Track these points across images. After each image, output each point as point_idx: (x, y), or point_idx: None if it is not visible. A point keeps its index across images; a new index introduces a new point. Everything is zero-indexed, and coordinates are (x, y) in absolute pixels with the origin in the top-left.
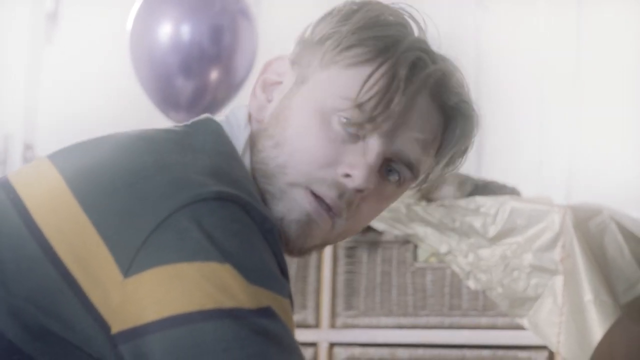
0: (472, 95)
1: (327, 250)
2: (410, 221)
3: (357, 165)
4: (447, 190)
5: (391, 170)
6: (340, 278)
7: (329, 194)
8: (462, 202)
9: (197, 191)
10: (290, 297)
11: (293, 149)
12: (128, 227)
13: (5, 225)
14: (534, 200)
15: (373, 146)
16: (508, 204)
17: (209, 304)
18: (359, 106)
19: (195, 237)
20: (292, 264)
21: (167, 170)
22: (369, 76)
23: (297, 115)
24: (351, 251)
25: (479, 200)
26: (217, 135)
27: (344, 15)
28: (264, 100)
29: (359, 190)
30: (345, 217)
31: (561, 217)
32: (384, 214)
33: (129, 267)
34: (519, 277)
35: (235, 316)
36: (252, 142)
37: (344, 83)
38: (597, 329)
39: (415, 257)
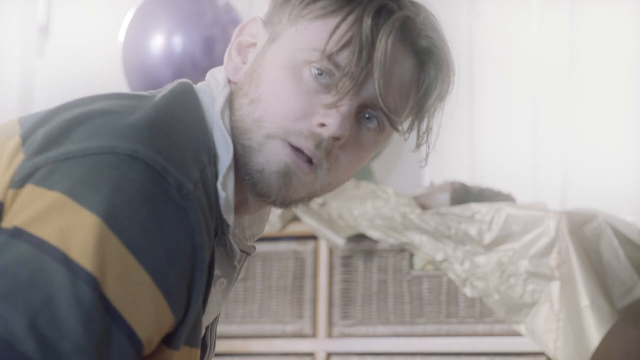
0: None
1: (323, 260)
2: (405, 229)
3: (330, 113)
4: (442, 197)
5: (369, 118)
6: (337, 287)
7: (306, 145)
8: (457, 209)
9: (112, 143)
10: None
11: (268, 104)
12: (45, 149)
13: None
14: (529, 207)
15: (345, 94)
16: (503, 210)
17: (40, 232)
18: (328, 56)
19: (84, 180)
20: (288, 273)
21: (102, 118)
22: (336, 26)
23: (269, 72)
24: (347, 260)
25: (474, 207)
26: (181, 97)
27: None
28: (239, 62)
29: (335, 138)
30: (327, 167)
31: (556, 222)
32: (379, 222)
33: (24, 179)
34: (516, 284)
35: (51, 255)
36: (230, 101)
37: (311, 35)
38: (595, 334)
39: (411, 265)
